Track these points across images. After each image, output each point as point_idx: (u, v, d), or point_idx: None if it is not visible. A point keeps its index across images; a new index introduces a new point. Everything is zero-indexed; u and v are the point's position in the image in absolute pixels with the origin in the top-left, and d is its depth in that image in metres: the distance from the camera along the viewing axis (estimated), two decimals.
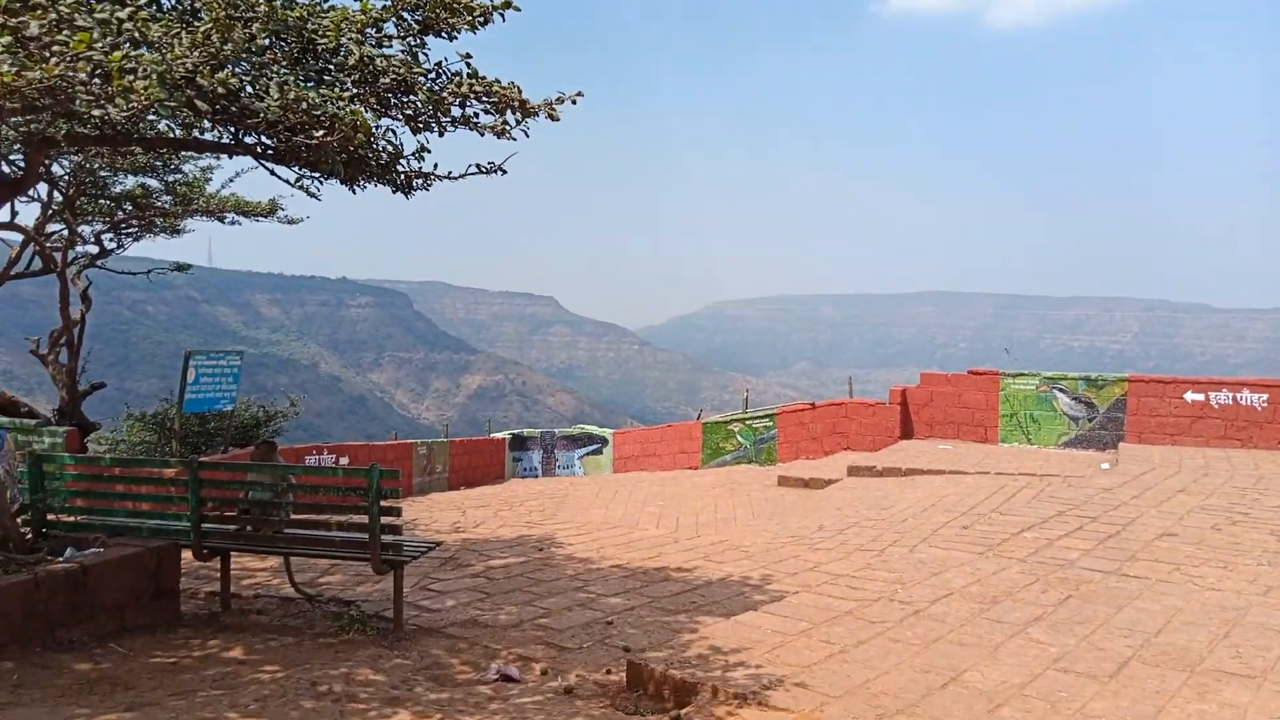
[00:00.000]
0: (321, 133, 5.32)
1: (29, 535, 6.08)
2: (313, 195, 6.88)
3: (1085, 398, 14.94)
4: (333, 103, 5.14)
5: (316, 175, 6.48)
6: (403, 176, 6.52)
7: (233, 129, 5.82)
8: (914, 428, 16.25)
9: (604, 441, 21.27)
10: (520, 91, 5.95)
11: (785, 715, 4.09)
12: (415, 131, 6.14)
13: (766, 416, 18.53)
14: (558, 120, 5.94)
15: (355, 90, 5.75)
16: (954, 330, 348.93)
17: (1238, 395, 13.88)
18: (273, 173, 6.35)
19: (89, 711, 4.26)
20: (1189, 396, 14.19)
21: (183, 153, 13.33)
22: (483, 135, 6.04)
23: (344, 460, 15.28)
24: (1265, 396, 13.68)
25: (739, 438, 18.71)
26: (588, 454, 21.25)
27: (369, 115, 5.62)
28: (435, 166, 6.56)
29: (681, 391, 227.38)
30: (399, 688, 4.77)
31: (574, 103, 5.90)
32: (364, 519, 5.76)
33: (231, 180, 15.50)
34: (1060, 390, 15.14)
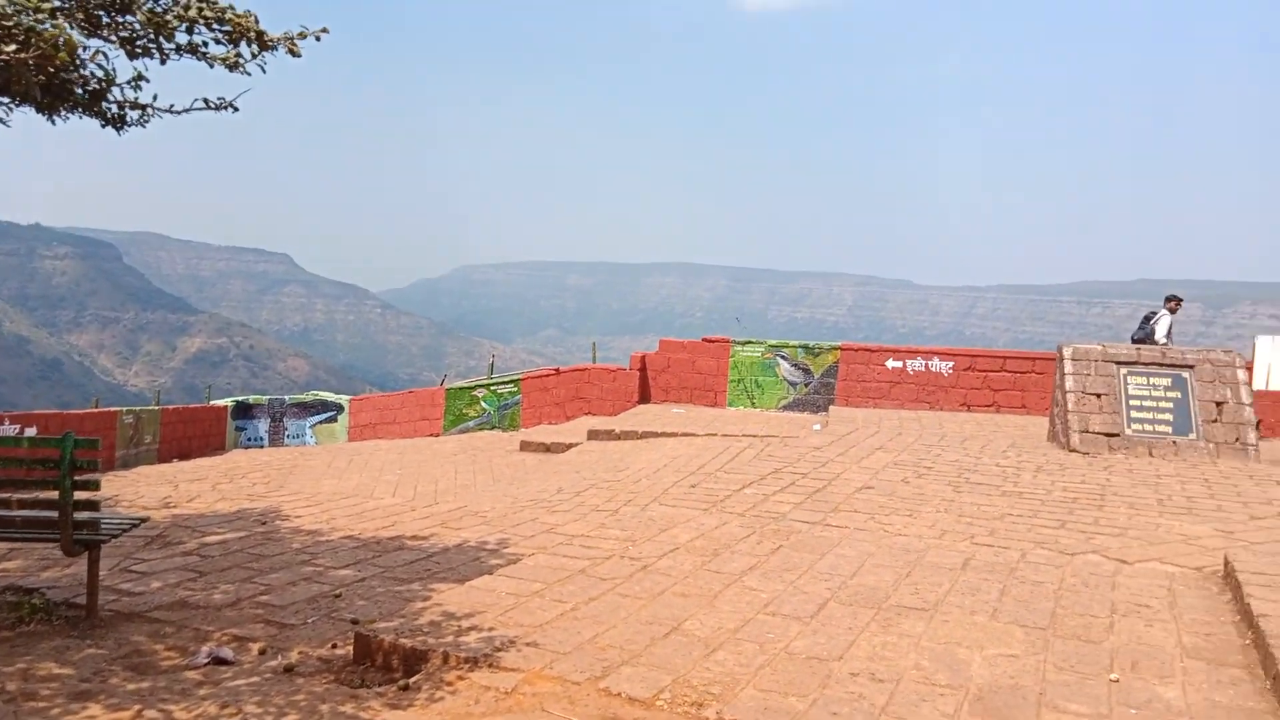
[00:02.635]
0: (14, 48, 4.57)
1: None
2: (1, 121, 5.92)
3: (803, 364, 16.25)
4: (29, 14, 4.43)
5: (4, 100, 5.60)
6: (115, 108, 5.79)
7: None
8: (652, 393, 16.92)
9: (339, 408, 20.35)
10: (257, 21, 5.43)
11: (515, 675, 4.13)
12: (132, 57, 5.45)
13: (511, 382, 18.54)
14: (299, 56, 5.47)
15: (59, 3, 5.01)
16: (693, 301, 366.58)
17: (929, 363, 15.68)
18: None
19: None
20: (890, 364, 15.84)
21: None
22: (212, 67, 5.47)
23: (30, 430, 13.52)
24: (950, 364, 15.56)
25: (483, 404, 18.58)
26: (320, 422, 20.24)
27: (75, 33, 4.92)
28: (155, 98, 5.88)
29: (425, 357, 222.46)
30: (90, 680, 4.31)
31: (318, 39, 5.48)
32: (53, 495, 5.12)
33: None
34: (782, 357, 16.36)
